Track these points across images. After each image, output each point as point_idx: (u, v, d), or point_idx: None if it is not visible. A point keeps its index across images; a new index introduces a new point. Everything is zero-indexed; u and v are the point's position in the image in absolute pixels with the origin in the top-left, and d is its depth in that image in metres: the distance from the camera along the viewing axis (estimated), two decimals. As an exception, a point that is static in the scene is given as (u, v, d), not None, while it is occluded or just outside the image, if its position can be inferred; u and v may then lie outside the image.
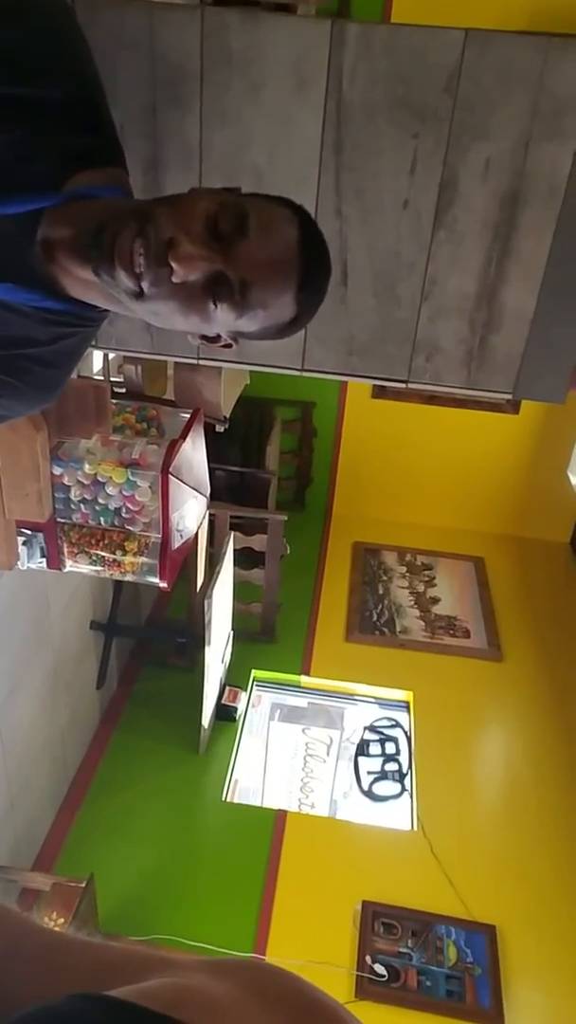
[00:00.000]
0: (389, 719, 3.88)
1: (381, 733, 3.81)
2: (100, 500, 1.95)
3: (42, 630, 2.85)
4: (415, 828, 3.27)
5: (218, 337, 0.85)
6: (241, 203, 0.76)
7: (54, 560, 2.02)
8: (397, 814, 3.42)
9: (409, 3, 3.73)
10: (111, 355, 3.09)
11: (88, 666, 3.44)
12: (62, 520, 1.99)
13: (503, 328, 1.40)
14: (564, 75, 1.22)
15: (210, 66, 1.32)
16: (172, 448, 1.92)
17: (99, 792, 3.31)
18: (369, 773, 3.62)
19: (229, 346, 0.87)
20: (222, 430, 3.06)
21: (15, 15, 0.79)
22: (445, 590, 4.79)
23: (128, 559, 2.00)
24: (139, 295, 0.74)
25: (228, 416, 3.07)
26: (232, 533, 3.72)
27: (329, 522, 5.37)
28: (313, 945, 2.75)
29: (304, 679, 4.06)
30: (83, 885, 2.42)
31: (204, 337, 0.85)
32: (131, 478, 1.91)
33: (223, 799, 3.37)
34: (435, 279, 1.40)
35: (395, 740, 3.77)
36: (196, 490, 2.12)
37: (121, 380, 2.92)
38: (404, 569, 4.97)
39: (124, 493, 1.93)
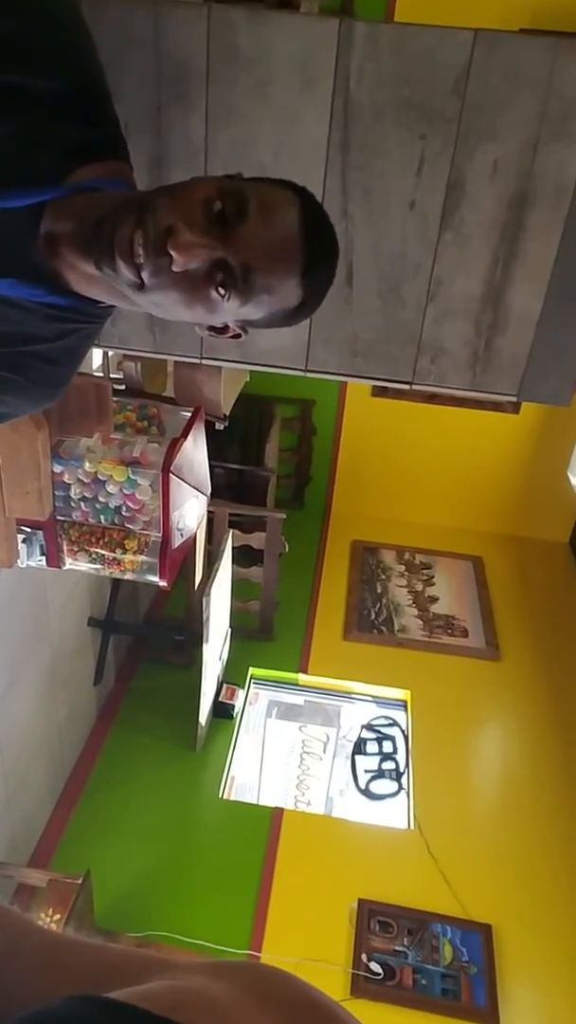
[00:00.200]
0: (386, 718, 3.89)
1: (378, 732, 3.82)
2: (100, 498, 1.95)
3: (40, 626, 2.85)
4: (412, 827, 3.27)
5: (226, 328, 0.83)
6: (241, 187, 0.75)
7: (54, 558, 2.01)
8: (394, 813, 3.43)
9: (412, 1, 3.71)
10: (111, 352, 3.08)
11: (85, 663, 3.43)
12: (62, 518, 1.98)
13: (509, 330, 1.39)
14: (573, 76, 1.22)
15: (216, 64, 1.31)
16: (173, 447, 1.92)
17: (96, 788, 3.31)
18: (366, 771, 3.63)
19: (238, 336, 0.85)
20: (222, 428, 3.05)
21: (15, 3, 0.77)
22: (443, 589, 4.80)
23: (128, 558, 2.00)
24: (140, 286, 0.73)
25: (228, 414, 3.06)
26: (231, 531, 3.71)
27: (328, 520, 5.37)
28: (309, 943, 2.76)
29: (302, 677, 4.06)
30: (79, 881, 2.42)
31: (212, 328, 0.83)
32: (132, 476, 1.90)
33: (220, 796, 3.38)
34: (441, 280, 1.39)
35: (392, 739, 3.78)
36: (197, 489, 2.12)
37: (120, 377, 2.91)
38: (402, 568, 4.97)
39: (124, 491, 1.92)
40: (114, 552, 2.00)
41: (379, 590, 4.74)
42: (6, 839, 2.76)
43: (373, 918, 2.86)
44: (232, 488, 4.38)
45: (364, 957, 2.74)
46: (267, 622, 4.17)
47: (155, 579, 2.05)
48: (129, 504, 1.94)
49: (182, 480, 1.96)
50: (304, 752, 3.79)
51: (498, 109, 1.24)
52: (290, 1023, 0.39)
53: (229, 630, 3.91)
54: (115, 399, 1.87)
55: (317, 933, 2.81)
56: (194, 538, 2.56)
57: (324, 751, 3.81)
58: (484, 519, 5.28)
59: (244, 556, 3.96)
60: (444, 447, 5.04)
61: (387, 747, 3.74)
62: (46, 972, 0.48)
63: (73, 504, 1.97)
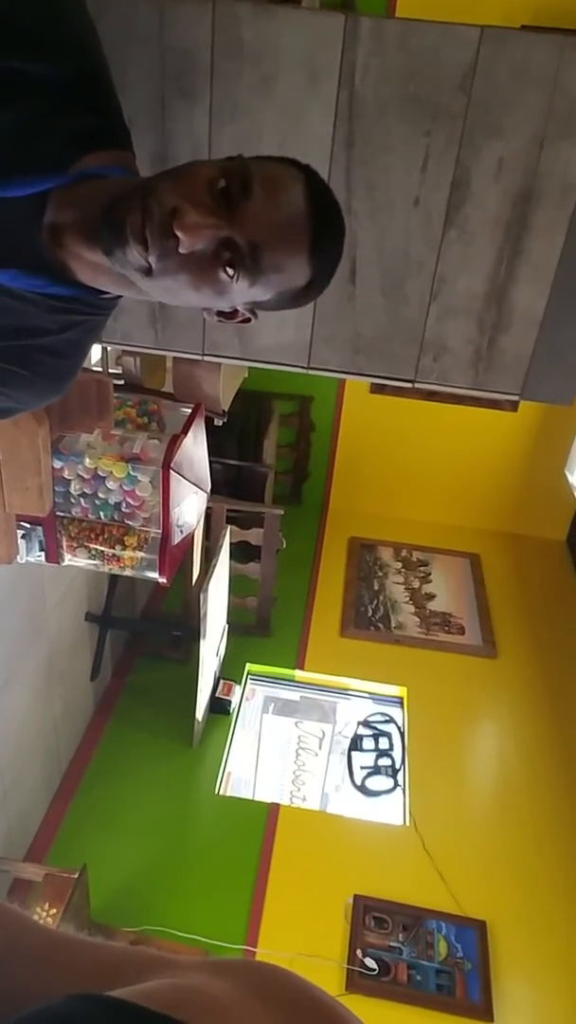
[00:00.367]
0: (383, 714, 3.90)
1: (375, 728, 3.82)
2: (100, 494, 1.94)
3: (38, 621, 2.84)
4: (407, 823, 3.28)
5: (235, 312, 0.82)
6: (244, 165, 0.74)
7: (53, 554, 2.01)
8: (389, 809, 3.44)
9: (415, -5, 3.70)
10: (110, 347, 3.07)
11: (83, 658, 3.43)
12: (61, 514, 1.98)
13: (512, 329, 1.39)
14: (579, 75, 1.21)
15: (220, 58, 1.30)
16: (173, 443, 1.91)
17: (92, 783, 3.31)
18: (362, 768, 3.64)
19: (247, 320, 0.84)
20: (221, 424, 3.04)
21: None
22: (440, 586, 4.80)
23: (127, 554, 1.99)
24: (148, 271, 0.72)
25: (227, 410, 3.05)
26: (228, 527, 3.71)
27: (325, 517, 5.37)
28: (304, 938, 2.77)
29: (298, 673, 4.06)
30: (76, 876, 2.42)
31: (221, 314, 0.83)
32: (132, 473, 1.90)
33: (216, 792, 3.38)
34: (444, 278, 1.38)
35: (388, 735, 3.78)
36: (197, 486, 2.11)
37: (119, 372, 2.90)
38: (400, 565, 4.97)
39: (124, 488, 1.92)
40: (113, 548, 1.99)
41: (376, 587, 4.74)
42: (2, 833, 2.76)
43: (368, 914, 2.87)
44: (230, 484, 4.37)
45: (359, 953, 2.75)
46: (264, 618, 4.17)
47: (154, 575, 2.04)
48: (129, 500, 1.94)
49: (182, 477, 1.95)
50: (300, 748, 3.79)
51: (504, 106, 1.24)
52: (291, 1022, 0.38)
53: (226, 626, 3.91)
54: (115, 395, 1.86)
55: (312, 928, 2.82)
56: (192, 534, 2.56)
57: (320, 747, 3.81)
58: (482, 517, 5.29)
59: (242, 552, 3.96)
60: (442, 444, 5.04)
61: (383, 744, 3.75)
62: (46, 971, 0.48)
63: (73, 500, 1.96)
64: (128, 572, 2.09)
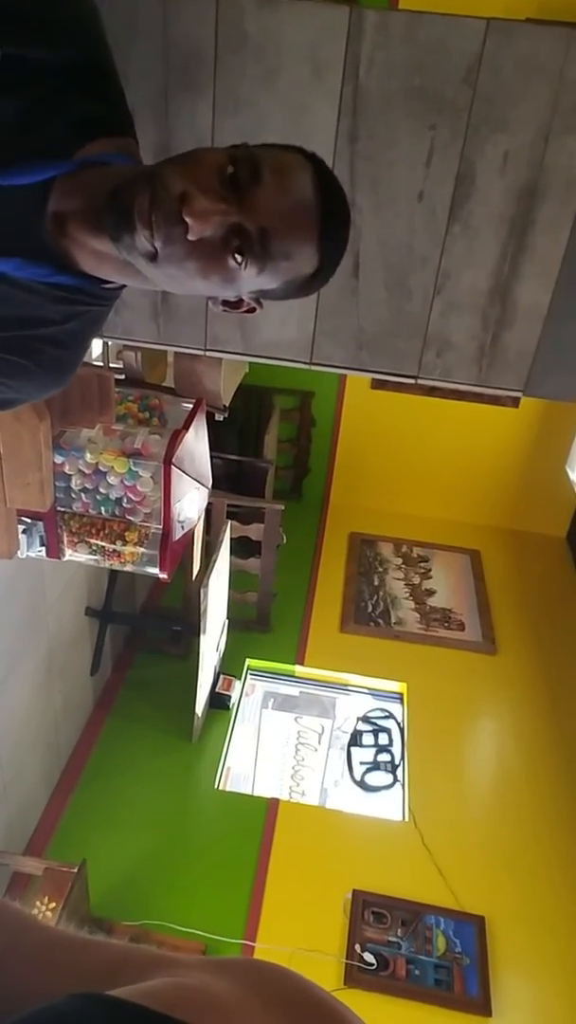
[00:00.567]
0: (382, 710, 3.90)
1: (374, 724, 3.83)
2: (101, 490, 1.94)
3: (38, 616, 2.84)
4: (406, 819, 3.29)
5: (240, 302, 0.82)
6: (252, 151, 0.73)
7: (53, 549, 2.00)
8: (389, 804, 3.44)
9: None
10: (111, 342, 3.06)
11: (82, 652, 3.43)
12: (62, 509, 1.97)
13: (516, 325, 1.38)
14: (586, 68, 1.20)
15: (224, 51, 1.29)
16: (175, 439, 1.91)
17: (92, 778, 3.31)
18: (361, 763, 3.64)
19: (253, 310, 0.84)
20: (222, 419, 3.04)
21: None
22: (440, 582, 4.80)
23: (128, 549, 1.99)
24: (154, 257, 0.71)
25: (228, 405, 3.05)
26: (229, 522, 3.70)
27: (326, 512, 5.36)
28: (303, 933, 2.77)
29: (298, 668, 4.06)
30: (75, 870, 2.43)
31: (226, 303, 0.82)
32: (133, 468, 1.89)
33: (215, 787, 3.39)
34: (448, 273, 1.38)
35: (388, 731, 3.79)
36: (198, 481, 2.11)
37: (120, 367, 2.89)
38: (400, 561, 4.97)
39: (126, 483, 1.91)
40: (114, 544, 1.99)
41: (376, 583, 4.74)
42: (2, 827, 2.76)
43: (367, 909, 2.88)
44: (230, 479, 4.36)
45: (358, 947, 2.75)
46: (264, 613, 4.17)
47: (155, 571, 2.04)
48: (130, 496, 1.93)
49: (183, 472, 1.95)
50: (300, 743, 3.80)
51: (509, 100, 1.23)
52: (292, 1021, 0.38)
53: (226, 621, 3.91)
54: (117, 390, 1.85)
55: (311, 923, 2.83)
56: (193, 530, 2.56)
57: (319, 742, 3.82)
58: (482, 513, 5.28)
59: (242, 547, 3.96)
60: (443, 440, 5.04)
61: (383, 739, 3.75)
62: (47, 970, 0.48)
63: (74, 495, 1.96)
64: (129, 567, 2.09)
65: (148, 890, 2.89)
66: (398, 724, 3.82)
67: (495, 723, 3.91)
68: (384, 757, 3.66)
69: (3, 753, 2.68)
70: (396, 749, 3.70)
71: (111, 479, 1.91)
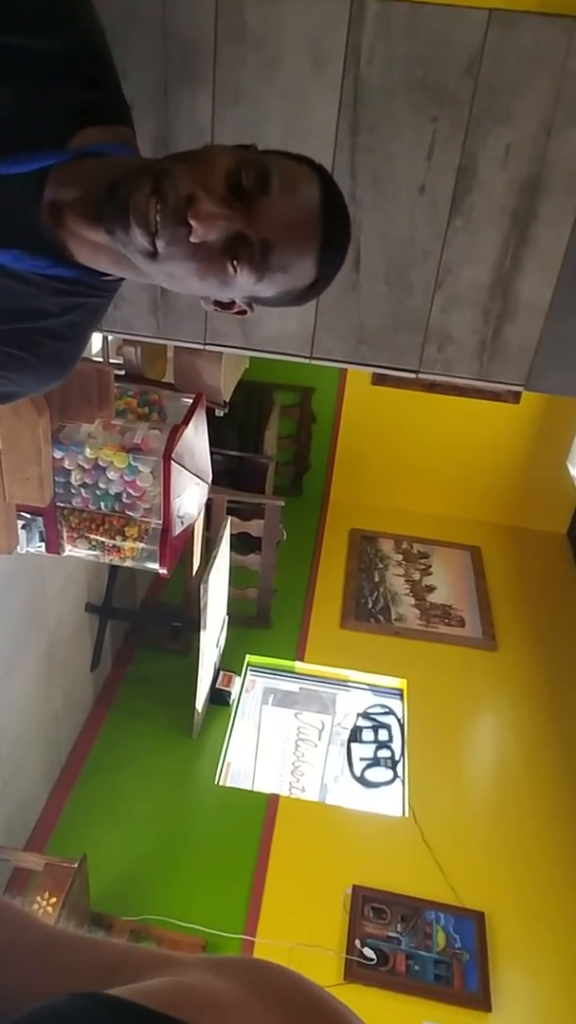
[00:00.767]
0: (382, 706, 3.90)
1: (374, 720, 3.83)
2: (101, 485, 1.93)
3: (38, 611, 2.84)
4: (406, 815, 3.29)
5: (233, 303, 0.81)
6: (262, 160, 0.73)
7: (53, 544, 2.00)
8: (389, 800, 3.45)
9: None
10: (110, 337, 3.05)
11: (83, 648, 3.43)
12: (62, 504, 1.97)
13: (517, 319, 1.37)
14: (589, 60, 1.19)
15: (224, 42, 1.28)
16: (174, 434, 1.90)
17: (92, 773, 3.31)
18: (361, 759, 3.64)
19: (244, 312, 0.84)
20: (222, 415, 3.03)
21: None
22: (441, 579, 4.80)
23: (128, 545, 1.98)
24: (153, 255, 0.70)
25: (228, 400, 3.04)
26: (229, 518, 3.70)
27: (326, 508, 5.36)
28: (303, 928, 2.78)
29: (298, 665, 4.06)
30: (75, 865, 2.43)
31: (218, 303, 0.82)
32: (132, 463, 1.88)
33: (215, 782, 3.39)
34: (449, 267, 1.37)
35: (388, 727, 3.79)
36: (198, 476, 2.10)
37: (120, 363, 2.88)
38: (400, 557, 4.97)
39: (125, 478, 1.90)
40: (114, 539, 1.99)
41: (376, 579, 4.74)
42: (3, 823, 2.76)
43: (367, 904, 2.88)
44: (230, 475, 4.36)
45: (358, 943, 2.76)
46: (264, 610, 4.17)
47: (155, 566, 2.04)
48: (130, 491, 1.93)
49: (183, 467, 1.94)
50: (300, 739, 3.80)
51: (512, 92, 1.22)
52: (292, 1020, 0.38)
53: (226, 617, 3.90)
54: (116, 385, 1.85)
55: (311, 918, 2.83)
56: (193, 525, 2.55)
57: (319, 739, 3.82)
58: (483, 509, 5.28)
59: (242, 543, 3.95)
60: (443, 436, 5.03)
61: (383, 735, 3.75)
62: (46, 969, 0.47)
63: (73, 490, 1.95)
64: (128, 563, 2.09)
65: (148, 885, 2.89)
66: (398, 720, 3.82)
67: (495, 719, 3.91)
68: (384, 753, 3.66)
69: (3, 749, 2.68)
70: (396, 745, 3.70)
71: (111, 474, 1.90)
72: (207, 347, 1.54)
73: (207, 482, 2.23)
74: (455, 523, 5.20)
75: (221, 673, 3.80)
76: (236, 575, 3.90)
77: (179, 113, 1.33)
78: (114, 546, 1.99)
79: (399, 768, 3.57)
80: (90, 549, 2.03)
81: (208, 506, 3.66)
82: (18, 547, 1.94)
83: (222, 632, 3.85)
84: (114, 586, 3.55)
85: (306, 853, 3.07)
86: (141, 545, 2.00)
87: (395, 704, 3.92)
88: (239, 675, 3.90)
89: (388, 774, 3.57)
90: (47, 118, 0.76)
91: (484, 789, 3.49)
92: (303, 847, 3.10)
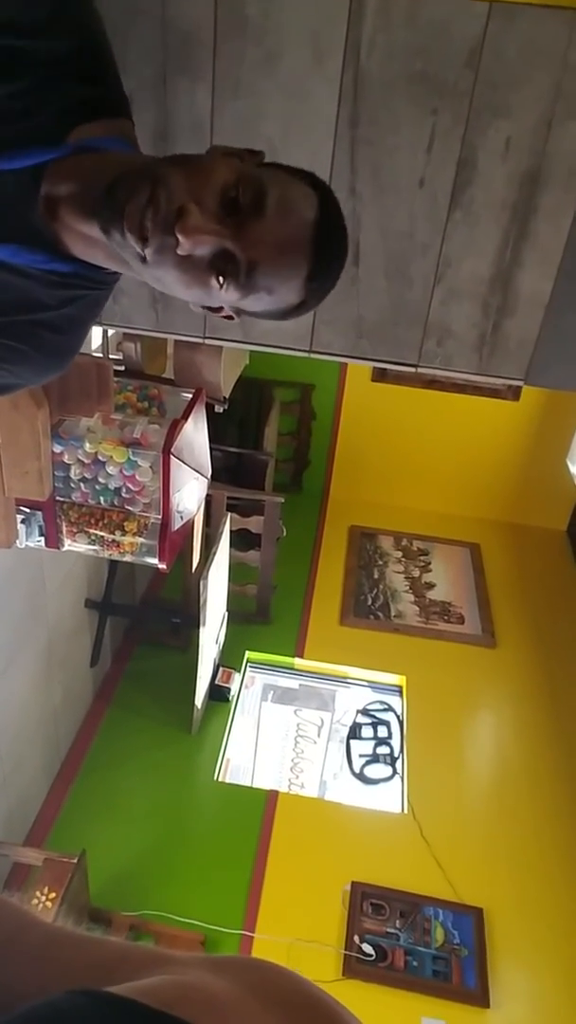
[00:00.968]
0: (382, 703, 3.90)
1: (373, 716, 3.83)
2: (100, 479, 1.93)
3: (37, 607, 2.83)
4: (405, 811, 3.29)
5: (221, 308, 0.82)
6: (261, 177, 0.72)
7: (52, 539, 2.00)
8: (388, 797, 3.45)
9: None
10: (110, 332, 3.05)
11: (82, 644, 3.43)
12: (61, 499, 1.96)
13: (517, 313, 1.37)
14: (589, 53, 1.19)
15: (223, 35, 1.28)
16: (174, 428, 1.90)
17: (92, 769, 3.32)
18: (360, 756, 3.64)
19: (231, 318, 0.84)
20: (221, 411, 3.03)
21: None
22: (440, 576, 4.80)
23: (127, 539, 1.98)
24: (143, 260, 0.71)
25: (228, 397, 3.04)
26: (228, 514, 3.70)
27: (326, 505, 5.36)
28: (302, 924, 2.78)
29: (298, 661, 4.06)
30: (75, 860, 2.43)
31: (206, 306, 0.82)
32: (132, 458, 1.88)
33: (215, 778, 3.39)
34: (449, 261, 1.37)
35: (387, 724, 3.79)
36: (197, 471, 2.10)
37: (120, 358, 2.88)
38: (400, 554, 4.97)
39: (125, 473, 1.90)
40: (113, 534, 1.98)
41: (376, 576, 4.74)
42: (2, 818, 2.77)
43: (366, 900, 2.88)
44: (230, 471, 4.36)
45: (356, 938, 2.76)
46: (264, 606, 4.17)
47: (154, 561, 2.03)
48: (129, 486, 1.92)
49: (182, 462, 1.94)
50: (299, 736, 3.80)
51: (512, 84, 1.22)
52: (291, 1020, 0.38)
53: (226, 613, 3.91)
54: (115, 380, 1.84)
55: (310, 914, 2.83)
56: (192, 521, 2.55)
57: (319, 735, 3.82)
58: (482, 506, 5.28)
59: (242, 540, 3.95)
60: (443, 433, 5.02)
61: (382, 732, 3.76)
62: (45, 966, 0.48)
63: (73, 485, 1.95)
64: (128, 558, 2.08)
65: (148, 881, 2.90)
66: (397, 717, 3.82)
67: (494, 716, 3.92)
68: (383, 750, 3.67)
69: (3, 744, 2.68)
70: (395, 742, 3.70)
71: (110, 469, 1.90)
72: (206, 340, 1.54)
73: (206, 477, 2.23)
74: (455, 520, 5.19)
75: (221, 669, 3.80)
76: (236, 571, 3.90)
77: (178, 104, 1.33)
78: (113, 541, 1.99)
79: (398, 765, 3.58)
80: (89, 544, 2.03)
81: (208, 502, 3.66)
82: (17, 542, 1.94)
83: (222, 628, 3.85)
84: (114, 582, 3.55)
85: (305, 849, 3.08)
86: (140, 540, 2.00)
87: (394, 701, 3.92)
88: (239, 671, 3.90)
89: (387, 771, 3.57)
90: (46, 114, 0.76)
91: (483, 786, 3.49)
92: (302, 843, 3.10)
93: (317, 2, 1.24)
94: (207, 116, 1.34)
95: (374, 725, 3.79)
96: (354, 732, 3.76)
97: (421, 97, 1.26)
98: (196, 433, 2.10)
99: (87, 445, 1.88)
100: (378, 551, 4.97)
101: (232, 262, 0.70)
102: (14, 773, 2.82)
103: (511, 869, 3.07)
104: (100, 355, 2.92)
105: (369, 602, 4.50)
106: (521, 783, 3.45)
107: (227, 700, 3.73)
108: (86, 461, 1.90)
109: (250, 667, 4.07)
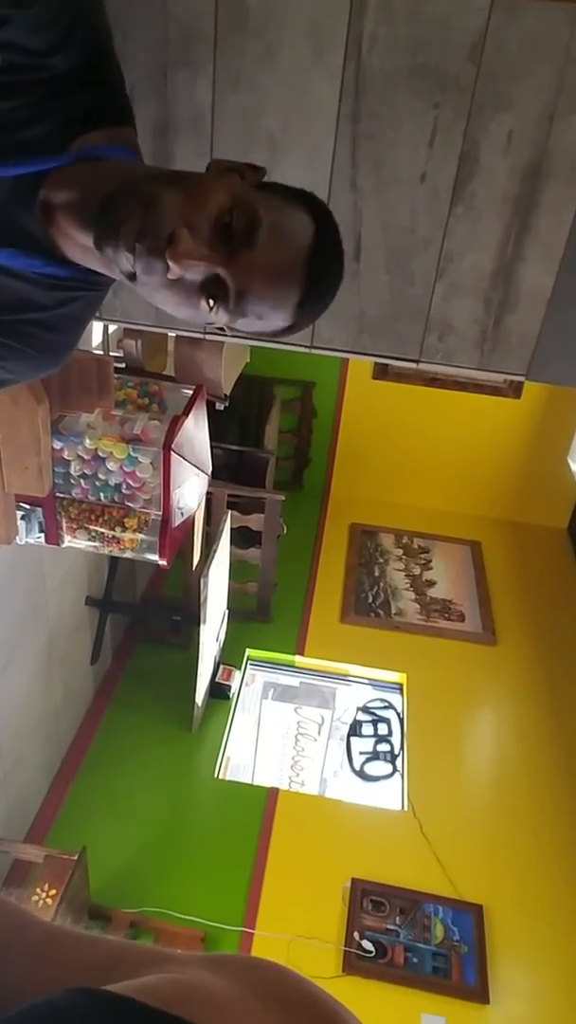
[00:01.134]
0: (382, 700, 3.90)
1: (374, 714, 3.83)
2: (100, 476, 1.92)
3: (37, 605, 2.83)
4: (405, 808, 3.29)
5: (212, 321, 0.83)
6: (255, 204, 0.71)
7: (52, 535, 1.99)
8: (388, 794, 3.45)
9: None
10: (111, 329, 3.04)
11: (83, 641, 3.43)
12: (61, 495, 1.96)
13: (519, 308, 1.37)
14: (592, 46, 1.18)
15: (225, 28, 1.27)
16: (174, 424, 1.89)
17: (92, 766, 3.32)
18: (361, 753, 3.64)
19: (222, 331, 0.85)
20: (222, 408, 3.02)
21: None
22: (441, 573, 4.80)
23: (127, 536, 1.98)
24: (132, 277, 0.71)
25: (228, 394, 3.03)
26: (229, 512, 3.69)
27: (326, 503, 5.35)
28: (302, 921, 2.78)
29: (298, 659, 4.06)
30: (75, 857, 2.43)
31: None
32: (132, 454, 1.88)
33: (215, 776, 3.39)
34: (451, 256, 1.36)
35: (388, 721, 3.79)
36: (197, 468, 2.10)
37: (120, 355, 2.87)
38: (400, 552, 4.96)
39: (125, 469, 1.90)
40: (113, 530, 1.98)
41: (377, 573, 4.74)
42: (3, 815, 2.77)
43: (366, 897, 2.88)
44: (231, 469, 4.35)
45: (356, 935, 2.76)
46: (264, 604, 4.17)
47: (154, 558, 2.03)
48: (129, 482, 1.92)
49: (183, 458, 1.94)
50: (299, 733, 3.80)
51: (514, 78, 1.21)
52: (289, 1019, 0.38)
53: (226, 611, 3.90)
54: (116, 376, 1.84)
55: (310, 911, 2.84)
56: (193, 518, 2.55)
57: (319, 732, 3.82)
58: (483, 504, 5.27)
59: (242, 537, 3.95)
60: (444, 431, 5.02)
61: (382, 729, 3.75)
62: (44, 965, 0.48)
63: (73, 481, 1.95)
64: (128, 554, 2.08)
65: (148, 878, 2.90)
66: (398, 714, 3.82)
67: (494, 714, 3.92)
68: (383, 747, 3.67)
69: (3, 741, 2.68)
70: (395, 739, 3.70)
71: (110, 465, 1.89)
72: (206, 336, 1.54)
73: (207, 474, 2.22)
74: (455, 518, 5.19)
75: (221, 667, 3.80)
76: (236, 569, 3.90)
77: (179, 97, 1.33)
78: (113, 537, 1.99)
79: (398, 762, 3.58)
80: (89, 540, 2.02)
81: (208, 500, 3.65)
82: (17, 538, 1.94)
83: (222, 626, 3.84)
84: (114, 580, 3.54)
85: (305, 846, 3.08)
86: (141, 536, 1.99)
87: (395, 698, 3.92)
88: (239, 669, 3.90)
89: (387, 768, 3.57)
90: (49, 124, 0.77)
91: (483, 783, 3.49)
92: (302, 840, 3.10)
93: (318, -5, 1.24)
94: (208, 109, 1.34)
95: (374, 722, 3.79)
96: (354, 729, 3.76)
97: (423, 91, 1.25)
98: (197, 430, 2.10)
99: (87, 441, 1.88)
100: (379, 549, 4.96)
101: (222, 288, 0.70)
102: (15, 770, 2.82)
103: (511, 866, 3.07)
104: (100, 352, 2.91)
105: (370, 600, 4.50)
106: (521, 780, 3.45)
107: (227, 698, 3.72)
108: (86, 457, 1.90)
109: (251, 665, 4.07)
